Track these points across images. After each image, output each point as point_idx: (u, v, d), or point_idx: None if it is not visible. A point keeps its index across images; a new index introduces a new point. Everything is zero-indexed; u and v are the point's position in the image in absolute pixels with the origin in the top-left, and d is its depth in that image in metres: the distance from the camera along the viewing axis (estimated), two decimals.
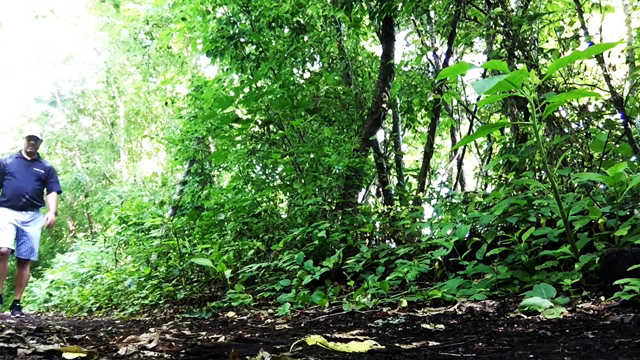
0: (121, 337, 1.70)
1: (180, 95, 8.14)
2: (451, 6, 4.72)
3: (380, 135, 5.94)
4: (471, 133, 4.98)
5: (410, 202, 4.57)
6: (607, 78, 3.31)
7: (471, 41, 5.88)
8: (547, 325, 1.44)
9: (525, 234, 2.26)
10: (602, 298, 1.71)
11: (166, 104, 8.58)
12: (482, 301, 1.99)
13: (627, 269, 1.65)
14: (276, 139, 4.98)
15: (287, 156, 4.78)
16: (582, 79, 3.84)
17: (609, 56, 3.45)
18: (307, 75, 6.50)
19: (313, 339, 1.26)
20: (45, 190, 5.52)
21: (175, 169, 10.18)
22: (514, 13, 3.97)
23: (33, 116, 19.78)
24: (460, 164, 6.40)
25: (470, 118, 5.80)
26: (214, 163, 7.31)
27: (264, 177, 5.40)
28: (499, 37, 4.12)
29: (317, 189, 4.60)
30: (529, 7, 4.29)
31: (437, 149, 7.87)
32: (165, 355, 1.20)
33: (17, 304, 5.30)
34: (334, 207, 4.65)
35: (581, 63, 3.78)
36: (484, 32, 4.66)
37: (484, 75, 4.35)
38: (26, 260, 5.24)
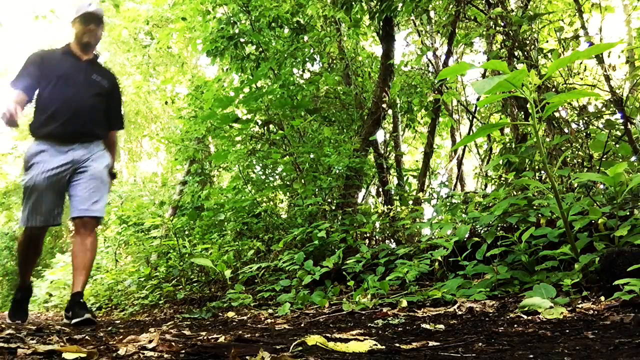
0: (121, 337, 1.70)
1: (181, 95, 8.15)
2: (451, 6, 4.72)
3: (380, 135, 5.94)
4: (471, 133, 4.99)
5: (410, 202, 4.57)
6: (607, 78, 3.31)
7: (471, 41, 5.88)
8: (547, 325, 1.44)
9: (525, 234, 2.26)
10: (602, 298, 1.71)
11: (166, 103, 8.59)
12: (482, 301, 1.99)
13: (627, 269, 1.65)
14: (276, 139, 4.98)
15: (287, 156, 4.78)
16: (582, 79, 3.84)
17: (609, 56, 3.45)
18: (307, 75, 6.50)
19: (313, 339, 1.26)
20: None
21: (175, 169, 10.18)
22: (514, 13, 3.97)
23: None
24: (460, 164, 6.40)
25: (470, 118, 5.81)
26: (214, 163, 7.31)
27: (264, 177, 5.40)
28: (499, 37, 4.12)
29: (317, 189, 4.60)
30: (529, 7, 4.29)
31: (437, 149, 7.87)
32: (165, 355, 1.20)
33: (81, 300, 2.84)
34: (334, 207, 4.65)
35: (581, 63, 3.79)
36: (484, 32, 4.66)
37: (484, 75, 4.35)
38: (91, 220, 2.98)
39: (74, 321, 2.65)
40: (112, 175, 3.30)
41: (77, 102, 3.04)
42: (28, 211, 2.97)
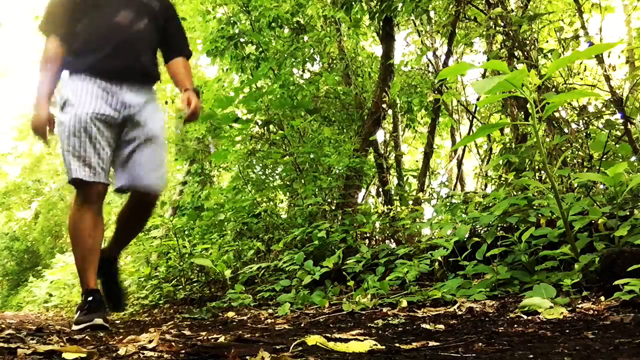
0: (121, 337, 1.70)
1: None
2: (451, 6, 4.72)
3: (380, 135, 5.95)
4: (471, 133, 4.99)
5: (410, 202, 4.57)
6: (607, 78, 3.31)
7: (471, 41, 5.88)
8: (547, 325, 1.44)
9: (525, 234, 2.26)
10: (602, 298, 1.71)
11: (166, 103, 8.58)
12: (482, 301, 1.99)
13: (627, 269, 1.65)
14: (276, 139, 4.98)
15: (287, 156, 4.78)
16: (582, 79, 3.84)
17: (609, 56, 3.45)
18: (307, 75, 6.51)
19: (313, 339, 1.26)
20: (162, 52, 2.61)
21: (176, 169, 10.18)
22: (514, 13, 3.98)
23: None
24: (460, 164, 6.40)
25: (470, 118, 5.80)
26: (214, 163, 7.32)
27: (264, 177, 5.40)
28: (499, 37, 4.12)
29: (317, 189, 4.60)
30: (529, 7, 4.29)
31: (437, 149, 7.87)
32: (165, 355, 1.20)
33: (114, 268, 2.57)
34: (334, 207, 4.65)
35: (581, 63, 3.79)
36: (484, 32, 4.66)
37: (484, 75, 4.35)
38: (156, 193, 2.42)
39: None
40: (197, 94, 2.51)
41: (123, 29, 2.36)
42: (75, 159, 2.22)
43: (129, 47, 2.38)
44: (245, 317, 2.65)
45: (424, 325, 1.61)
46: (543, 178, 3.38)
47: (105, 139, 2.29)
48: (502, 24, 3.76)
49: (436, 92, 5.25)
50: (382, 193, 5.65)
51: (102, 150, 2.27)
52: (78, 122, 2.23)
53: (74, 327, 2.14)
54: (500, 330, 1.41)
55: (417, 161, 8.13)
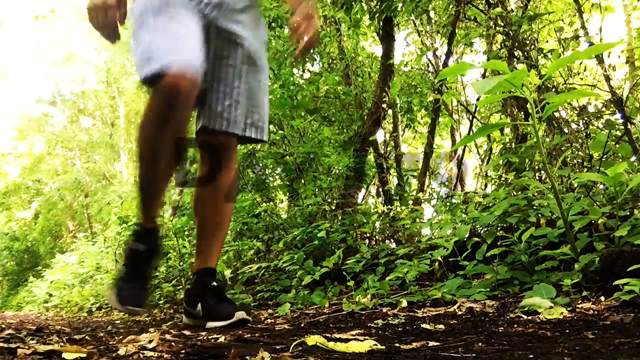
0: (121, 337, 1.70)
1: None
2: (451, 6, 4.72)
3: (380, 135, 5.95)
4: (471, 133, 4.99)
5: (410, 202, 4.57)
6: (607, 78, 3.32)
7: (471, 41, 5.88)
8: (547, 325, 1.44)
9: (525, 234, 2.26)
10: (602, 298, 1.71)
11: None
12: (482, 301, 1.99)
13: (627, 269, 1.65)
14: (276, 139, 4.98)
15: (287, 156, 4.78)
16: (582, 79, 3.85)
17: (609, 56, 3.45)
18: (307, 75, 6.51)
19: (313, 339, 1.26)
20: None
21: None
22: (514, 13, 3.98)
23: (33, 116, 19.82)
24: (460, 164, 6.39)
25: (470, 118, 5.81)
26: None
27: (263, 177, 5.41)
28: (499, 37, 4.12)
29: (317, 189, 4.60)
30: (529, 7, 4.29)
31: (437, 149, 7.87)
32: (165, 355, 1.20)
33: (215, 283, 1.79)
34: (334, 207, 4.65)
35: (581, 63, 3.79)
36: (484, 32, 4.66)
37: (484, 75, 4.35)
38: (234, 142, 1.74)
39: (213, 324, 1.63)
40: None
41: None
42: (159, 42, 1.48)
43: None
44: None
45: (424, 325, 1.61)
46: (543, 178, 3.39)
47: (195, 18, 1.55)
48: (502, 24, 3.77)
49: (436, 92, 5.26)
50: (382, 193, 5.66)
51: (193, 26, 1.52)
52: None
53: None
54: (500, 330, 1.41)
55: (417, 161, 8.13)
